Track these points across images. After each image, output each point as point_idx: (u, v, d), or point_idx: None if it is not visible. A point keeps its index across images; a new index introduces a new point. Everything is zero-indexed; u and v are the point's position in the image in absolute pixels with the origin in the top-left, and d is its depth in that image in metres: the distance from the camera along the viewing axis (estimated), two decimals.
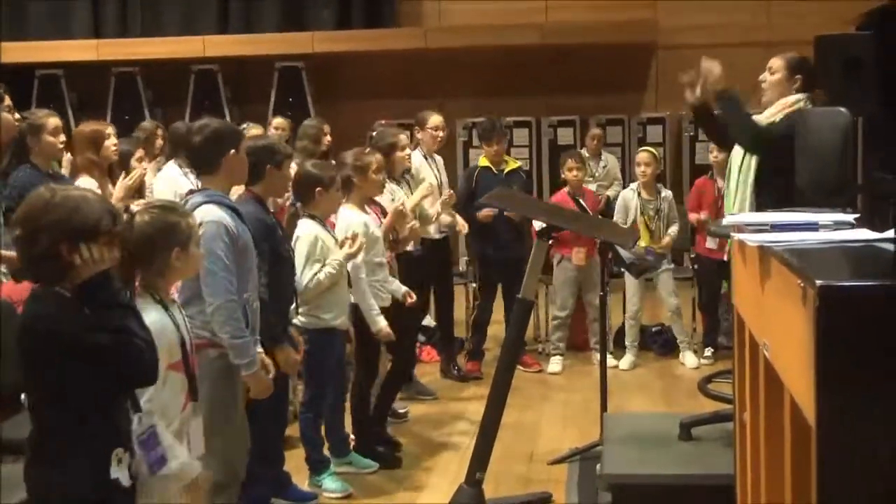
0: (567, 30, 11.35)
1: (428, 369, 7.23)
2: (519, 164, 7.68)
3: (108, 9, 12.23)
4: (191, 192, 4.36)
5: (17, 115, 5.20)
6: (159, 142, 7.45)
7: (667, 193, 7.58)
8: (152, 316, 3.15)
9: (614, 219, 7.47)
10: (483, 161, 7.45)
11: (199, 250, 3.45)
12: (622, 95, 11.70)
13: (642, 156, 7.51)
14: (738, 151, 4.88)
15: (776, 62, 4.90)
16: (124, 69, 11.78)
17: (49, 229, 2.71)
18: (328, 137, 7.51)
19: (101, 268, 2.77)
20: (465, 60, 11.63)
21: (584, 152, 9.56)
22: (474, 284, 7.87)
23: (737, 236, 3.20)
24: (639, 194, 7.45)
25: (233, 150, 4.06)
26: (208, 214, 3.86)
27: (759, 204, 4.63)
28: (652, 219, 7.38)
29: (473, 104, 11.36)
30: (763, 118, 4.85)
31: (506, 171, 7.33)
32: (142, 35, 11.97)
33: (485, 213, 7.01)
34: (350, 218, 5.19)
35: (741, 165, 4.82)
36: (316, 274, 4.84)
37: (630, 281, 7.30)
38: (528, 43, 11.33)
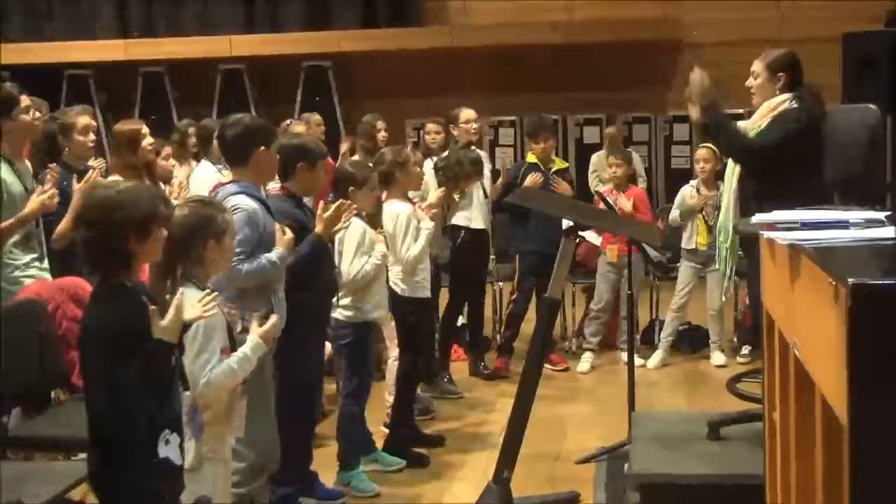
0: (592, 27, 11.32)
1: (456, 367, 7.22)
2: (567, 164, 7.65)
3: (134, 9, 12.31)
4: (220, 184, 4.43)
5: (37, 115, 5.19)
6: (192, 140, 7.51)
7: None
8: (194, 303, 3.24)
9: (672, 214, 7.46)
10: (532, 158, 7.43)
11: (233, 243, 3.59)
12: (648, 93, 11.65)
13: (701, 152, 7.45)
14: None
15: (756, 65, 4.82)
16: (152, 69, 11.86)
17: (118, 221, 2.87)
18: (382, 133, 7.56)
19: (159, 252, 2.98)
20: (491, 58, 11.62)
21: (604, 151, 9.53)
22: (500, 284, 7.88)
23: (766, 234, 3.18)
24: (698, 191, 7.40)
25: (263, 147, 4.18)
26: (237, 203, 4.00)
27: (745, 209, 4.61)
28: (711, 215, 7.28)
29: (499, 102, 11.34)
30: (748, 124, 4.80)
31: (553, 170, 7.29)
32: (168, 35, 12.04)
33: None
34: (395, 209, 5.26)
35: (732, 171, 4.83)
36: (363, 266, 4.90)
37: (683, 275, 7.27)
38: (554, 41, 11.30)
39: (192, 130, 7.74)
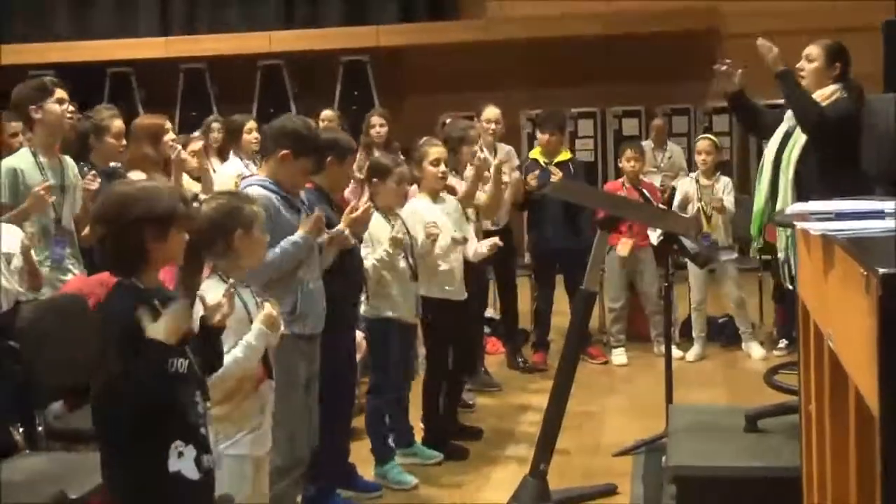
0: (629, 18, 11.27)
1: (492, 361, 7.22)
2: (570, 156, 7.56)
3: (175, 6, 12.42)
4: (243, 177, 4.48)
5: (70, 109, 5.24)
6: (215, 135, 7.56)
7: (725, 181, 7.46)
8: (216, 297, 3.17)
9: (673, 208, 7.41)
10: (535, 152, 7.43)
11: (263, 235, 3.52)
12: (687, 84, 11.55)
13: (702, 144, 7.47)
14: (772, 144, 4.81)
15: (814, 49, 4.77)
16: (192, 66, 11.96)
17: (134, 220, 2.78)
18: (376, 129, 7.56)
19: (180, 251, 2.87)
20: (529, 51, 11.59)
21: (648, 143, 9.49)
22: (533, 275, 7.88)
23: (800, 225, 3.16)
24: (697, 182, 7.38)
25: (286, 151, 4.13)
26: (253, 194, 3.93)
27: (801, 197, 4.55)
28: (709, 207, 7.30)
29: (537, 95, 11.31)
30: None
31: (553, 162, 7.21)
32: (208, 31, 12.14)
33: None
34: (409, 207, 5.24)
35: (775, 159, 4.75)
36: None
37: (694, 271, 7.25)
38: (591, 32, 11.26)
39: (216, 126, 7.80)
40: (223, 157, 7.33)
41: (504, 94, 10.47)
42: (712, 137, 7.65)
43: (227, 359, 3.16)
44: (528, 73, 11.64)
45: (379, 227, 4.92)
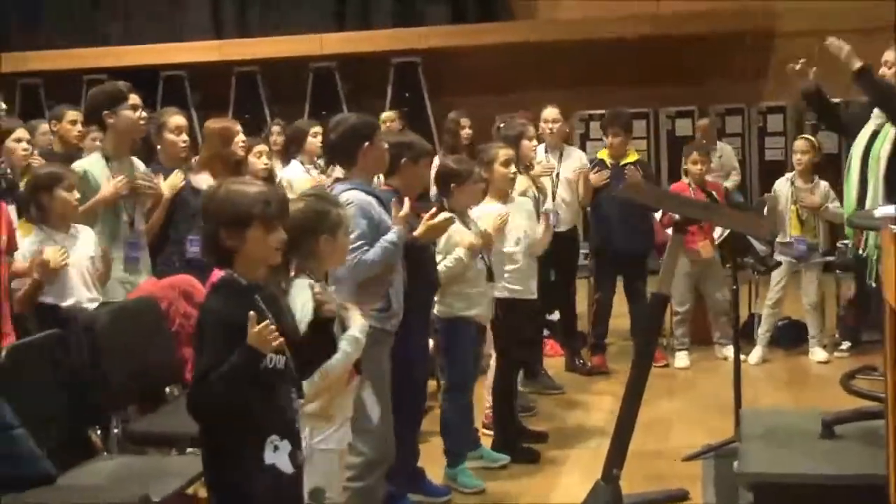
0: (681, 19, 11.18)
1: (551, 363, 7.19)
2: (638, 156, 7.52)
3: (228, 10, 12.50)
4: (337, 180, 4.49)
5: (143, 114, 5.31)
6: (274, 138, 7.59)
7: (824, 185, 7.28)
8: (308, 295, 3.27)
9: (766, 209, 7.35)
10: (602, 154, 7.39)
11: (347, 238, 3.59)
12: (741, 84, 11.48)
13: (799, 143, 7.35)
14: (859, 143, 4.74)
15: (891, 55, 4.71)
16: (245, 69, 12.03)
17: (212, 215, 2.89)
18: (467, 130, 7.55)
19: (267, 252, 2.91)
20: (581, 52, 11.53)
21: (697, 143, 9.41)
22: (593, 277, 7.84)
23: (894, 228, 3.11)
24: (792, 183, 7.28)
25: (367, 143, 4.22)
26: (350, 198, 4.04)
27: (893, 195, 4.49)
28: (804, 209, 7.19)
29: (589, 96, 11.27)
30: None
31: (620, 163, 7.20)
32: (260, 34, 12.20)
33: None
34: (483, 210, 5.23)
35: (863, 157, 4.69)
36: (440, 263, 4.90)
37: (777, 270, 7.16)
38: (644, 33, 11.19)
39: (275, 129, 7.83)
40: (284, 160, 7.35)
41: (555, 95, 10.43)
42: (810, 137, 7.51)
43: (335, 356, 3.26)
44: (580, 73, 11.59)
45: (457, 229, 4.90)
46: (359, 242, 3.97)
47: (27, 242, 4.55)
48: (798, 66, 4.77)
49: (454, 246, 4.88)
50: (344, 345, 3.30)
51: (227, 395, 2.74)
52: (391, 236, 4.11)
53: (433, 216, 4.41)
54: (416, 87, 11.71)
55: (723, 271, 7.23)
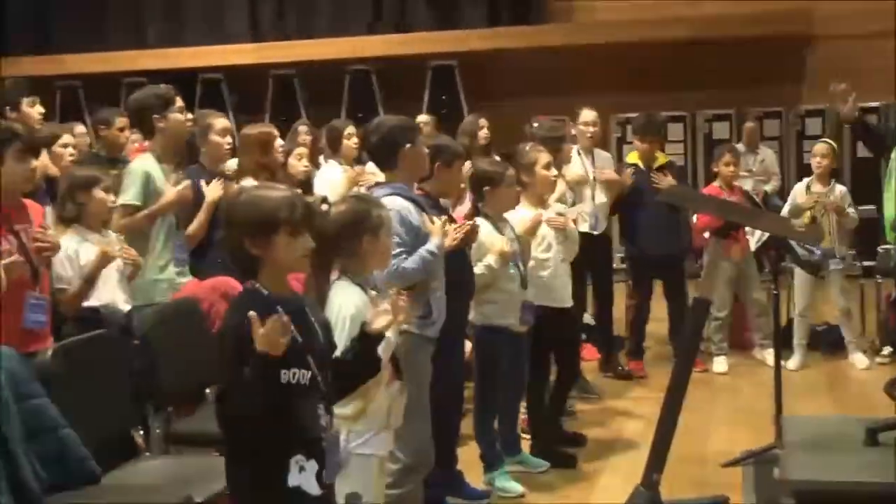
0: (719, 22, 11.12)
1: (587, 367, 7.17)
2: (668, 159, 7.49)
3: (265, 12, 12.56)
4: (377, 184, 4.48)
5: (189, 117, 5.36)
6: (302, 138, 7.58)
7: (840, 189, 7.29)
8: (353, 298, 3.29)
9: (783, 212, 7.29)
10: (633, 157, 7.36)
11: (390, 240, 3.57)
12: (779, 87, 11.40)
13: (819, 147, 7.31)
14: None
15: None
16: (282, 71, 12.08)
17: (235, 224, 2.77)
18: (484, 132, 7.52)
19: (294, 259, 2.79)
20: (617, 55, 11.49)
21: (741, 146, 9.37)
22: (630, 282, 7.82)
23: None
24: (808, 187, 7.23)
25: (409, 145, 4.20)
26: (390, 204, 3.93)
27: None
28: (821, 213, 7.14)
29: (626, 99, 11.21)
30: None
31: (654, 166, 7.18)
32: (297, 37, 12.25)
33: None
34: (518, 216, 5.20)
35: None
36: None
37: (799, 277, 7.12)
38: (680, 36, 11.13)
39: (302, 130, 7.82)
40: (314, 161, 7.36)
41: (591, 98, 10.40)
42: (830, 142, 7.48)
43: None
44: (616, 77, 11.54)
45: (488, 235, 4.89)
46: (398, 250, 3.93)
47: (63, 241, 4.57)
48: (841, 88, 4.73)
49: (485, 253, 4.86)
50: (421, 251, 3.38)
51: (248, 410, 2.55)
52: (430, 245, 4.08)
53: (460, 225, 4.40)
54: (453, 90, 11.72)
55: (757, 273, 7.16)
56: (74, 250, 4.48)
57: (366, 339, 2.93)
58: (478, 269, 4.83)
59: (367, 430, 3.35)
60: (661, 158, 7.29)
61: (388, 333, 3.13)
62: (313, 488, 2.71)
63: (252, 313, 2.52)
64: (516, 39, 11.47)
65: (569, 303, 5.49)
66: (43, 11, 12.78)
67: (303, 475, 2.69)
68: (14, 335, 3.73)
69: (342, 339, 3.08)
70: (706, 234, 6.72)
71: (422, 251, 4.06)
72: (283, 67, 12.07)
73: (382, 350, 3.07)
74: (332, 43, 11.80)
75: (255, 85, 12.06)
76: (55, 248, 4.06)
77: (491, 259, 4.85)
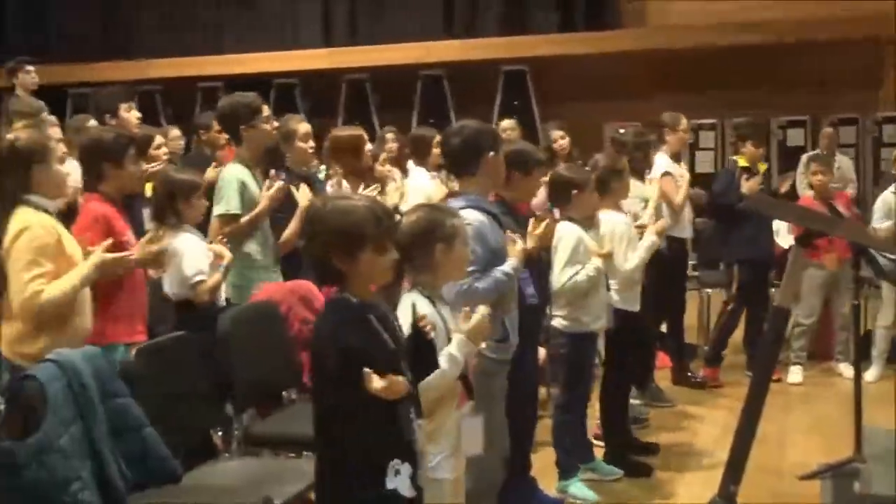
0: (794, 26, 10.95)
1: (659, 375, 7.10)
2: (766, 165, 7.52)
3: (337, 17, 12.66)
4: (452, 194, 4.43)
5: (275, 124, 5.43)
6: (389, 146, 7.63)
7: None
8: (407, 313, 3.19)
9: (872, 221, 7.19)
10: (742, 161, 7.27)
11: (466, 249, 3.45)
12: (856, 93, 11.19)
13: None
14: None
15: None
16: (354, 76, 12.17)
17: (319, 237, 2.80)
18: (563, 142, 7.52)
19: (380, 272, 2.83)
20: (690, 60, 11.37)
21: (818, 153, 9.24)
22: (708, 291, 7.73)
23: None
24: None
25: (491, 153, 4.09)
26: (467, 217, 3.82)
27: None
28: None
29: (698, 104, 11.09)
30: None
31: (761, 171, 7.16)
32: (369, 42, 12.32)
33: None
34: (613, 220, 5.22)
35: None
36: (573, 276, 4.83)
37: (888, 289, 6.97)
38: (754, 41, 10.98)
39: (389, 136, 7.87)
40: (399, 167, 7.40)
41: (664, 103, 10.30)
42: None
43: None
44: (688, 81, 11.40)
45: (577, 241, 4.87)
46: (471, 268, 3.76)
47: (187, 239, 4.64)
48: None
49: (582, 256, 4.84)
50: (441, 361, 3.14)
51: (355, 433, 2.71)
52: (507, 267, 3.96)
53: (536, 226, 4.32)
54: (525, 95, 11.69)
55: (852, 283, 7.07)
56: (202, 246, 4.56)
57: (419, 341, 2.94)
58: (583, 274, 4.81)
59: (438, 452, 3.20)
60: (762, 166, 7.28)
61: (455, 351, 3.15)
62: (408, 491, 2.78)
63: (367, 370, 2.64)
64: (587, 44, 11.41)
65: (636, 307, 5.45)
66: (121, 18, 13.03)
67: (398, 478, 2.75)
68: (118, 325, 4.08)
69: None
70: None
71: (497, 273, 3.93)
72: (355, 72, 12.15)
73: (448, 363, 3.11)
74: (404, 48, 11.84)
75: (327, 90, 12.16)
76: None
77: (598, 262, 4.85)
